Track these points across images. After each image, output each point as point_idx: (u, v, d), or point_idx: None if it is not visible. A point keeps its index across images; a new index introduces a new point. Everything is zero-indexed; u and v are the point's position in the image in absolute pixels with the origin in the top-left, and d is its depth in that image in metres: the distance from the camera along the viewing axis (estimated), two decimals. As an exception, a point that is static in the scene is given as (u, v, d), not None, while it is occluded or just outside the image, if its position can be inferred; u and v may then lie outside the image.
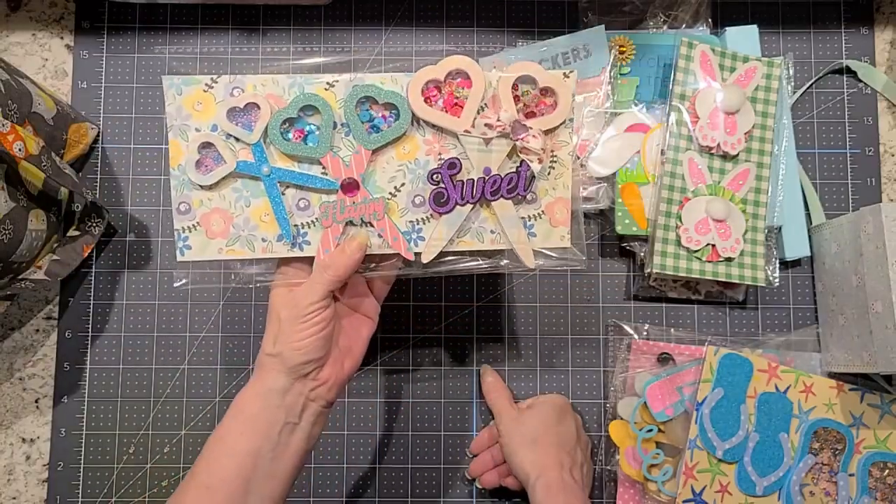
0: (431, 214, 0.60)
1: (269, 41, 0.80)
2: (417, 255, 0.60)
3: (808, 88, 0.80)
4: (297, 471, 0.58)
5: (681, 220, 0.74)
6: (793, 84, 0.79)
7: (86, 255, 0.74)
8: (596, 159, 0.77)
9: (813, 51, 0.81)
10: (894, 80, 0.80)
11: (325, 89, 0.59)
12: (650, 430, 0.73)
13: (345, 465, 0.76)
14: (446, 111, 0.59)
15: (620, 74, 0.79)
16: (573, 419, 0.73)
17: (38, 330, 0.77)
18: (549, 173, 0.61)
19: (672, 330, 0.77)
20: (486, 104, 0.59)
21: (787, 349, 0.76)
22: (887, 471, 0.72)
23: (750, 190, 0.75)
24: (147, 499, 0.75)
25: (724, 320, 0.78)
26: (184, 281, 0.63)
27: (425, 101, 0.59)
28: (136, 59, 0.80)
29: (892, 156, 0.80)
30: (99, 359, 0.77)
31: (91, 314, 0.77)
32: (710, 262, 0.74)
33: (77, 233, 0.75)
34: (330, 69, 0.61)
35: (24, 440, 0.76)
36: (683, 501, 0.71)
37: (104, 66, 0.80)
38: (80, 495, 0.75)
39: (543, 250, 0.63)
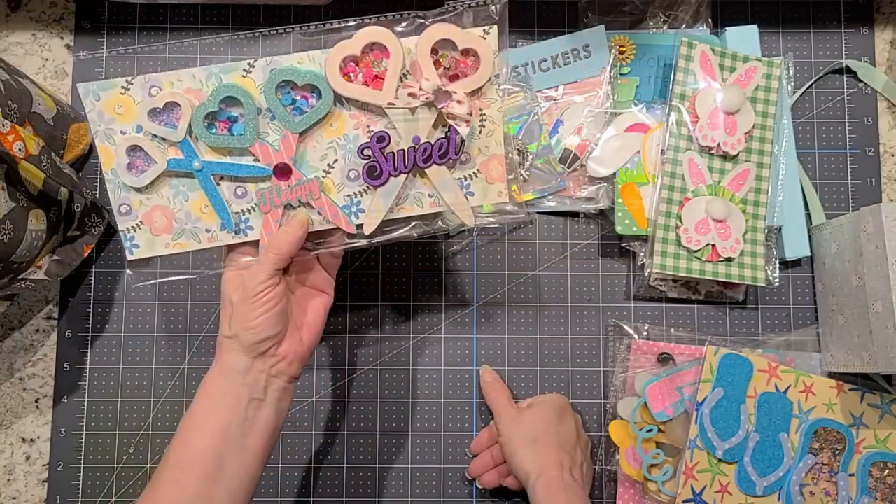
0: (367, 187, 0.60)
1: (269, 41, 0.80)
2: (359, 226, 0.61)
3: (808, 88, 0.80)
4: (269, 448, 0.60)
5: (681, 220, 0.74)
6: (793, 84, 0.79)
7: (86, 255, 0.74)
8: (596, 159, 0.77)
9: (813, 51, 0.81)
10: (894, 80, 0.80)
11: (243, 77, 0.59)
12: (650, 430, 0.73)
13: (345, 466, 0.76)
14: (367, 85, 0.59)
15: (620, 74, 0.79)
16: (573, 419, 0.73)
17: (38, 330, 0.77)
18: (479, 132, 0.61)
19: (672, 330, 0.77)
20: (406, 72, 0.59)
21: (787, 349, 0.76)
22: (887, 471, 0.72)
23: (750, 190, 0.75)
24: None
25: (724, 320, 0.78)
26: (149, 281, 0.63)
27: (345, 77, 0.59)
28: (136, 59, 0.80)
29: (892, 156, 0.80)
30: (99, 359, 0.77)
31: (91, 314, 0.77)
32: (710, 262, 0.74)
33: (77, 233, 0.75)
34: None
35: (24, 440, 0.76)
36: (683, 501, 0.71)
37: (104, 66, 0.80)
38: (80, 495, 0.75)
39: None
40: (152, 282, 0.61)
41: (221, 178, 0.60)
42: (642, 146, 0.76)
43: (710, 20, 0.79)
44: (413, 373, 0.77)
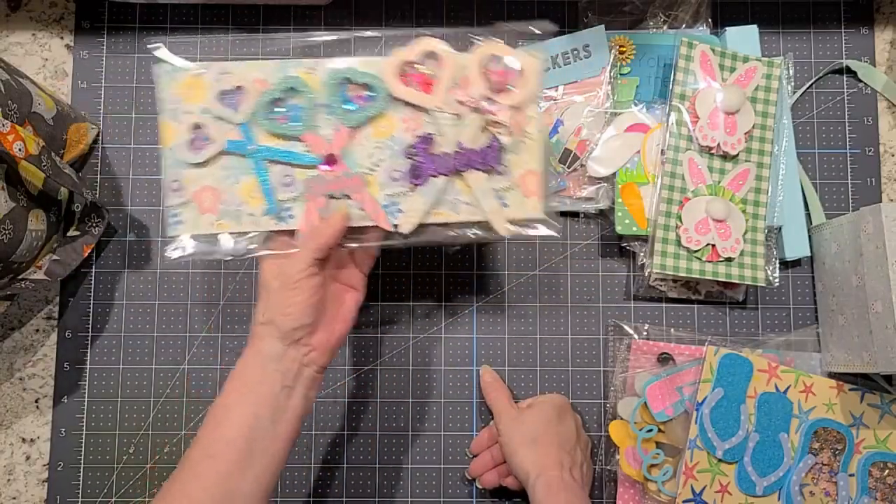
0: (409, 189, 0.62)
1: (269, 41, 0.80)
2: (396, 226, 0.63)
3: (808, 88, 0.80)
4: (296, 433, 0.60)
5: (681, 220, 0.74)
6: (793, 84, 0.79)
7: (86, 255, 0.74)
8: (596, 159, 0.77)
9: (813, 51, 0.81)
10: (894, 80, 0.80)
11: (307, 73, 0.62)
12: (650, 430, 0.73)
13: (345, 466, 0.76)
14: (419, 90, 0.62)
15: (620, 74, 0.79)
16: (573, 419, 0.73)
17: (38, 330, 0.77)
18: (519, 147, 0.63)
19: (672, 330, 0.77)
20: (456, 82, 0.62)
21: (787, 349, 0.76)
22: (887, 471, 0.72)
23: (750, 190, 0.75)
24: (147, 499, 0.75)
25: (724, 320, 0.78)
26: (183, 250, 0.63)
27: (401, 80, 0.62)
28: (136, 59, 0.80)
29: (892, 156, 0.80)
30: (99, 359, 0.77)
31: (91, 314, 0.77)
32: (710, 262, 0.74)
33: (77, 233, 0.75)
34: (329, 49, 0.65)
35: (24, 440, 0.76)
36: (683, 501, 0.71)
37: (104, 66, 0.80)
38: (80, 495, 0.75)
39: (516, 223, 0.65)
40: (189, 253, 0.62)
41: (272, 165, 0.62)
42: (642, 146, 0.76)
43: (710, 20, 0.79)
44: (413, 373, 0.77)
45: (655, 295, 0.77)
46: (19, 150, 0.63)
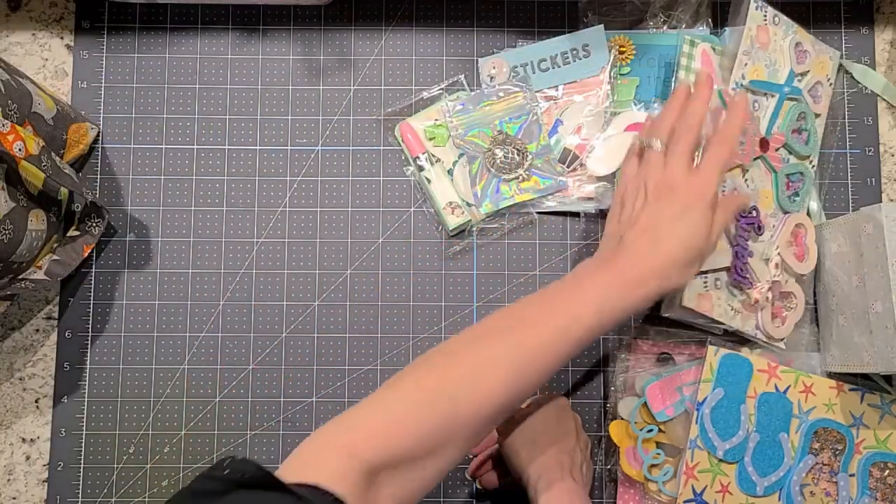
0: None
1: (269, 41, 0.80)
2: None
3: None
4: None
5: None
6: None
7: (86, 255, 0.74)
8: (596, 158, 0.77)
9: (813, 51, 0.81)
10: (894, 81, 0.80)
11: None
12: (650, 430, 0.73)
13: (345, 465, 0.76)
14: None
15: (620, 74, 0.79)
16: (573, 419, 0.72)
17: (38, 330, 0.77)
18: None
19: (672, 330, 0.77)
20: None
21: (786, 349, 0.76)
22: (888, 471, 0.72)
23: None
24: (147, 499, 0.75)
25: (725, 320, 0.78)
26: None
27: None
28: (136, 59, 0.80)
29: (892, 156, 0.80)
30: (99, 359, 0.77)
31: (91, 314, 0.77)
32: (710, 262, 0.74)
33: (77, 233, 0.75)
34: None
35: (24, 440, 0.76)
36: (684, 501, 0.71)
37: (104, 66, 0.80)
38: (80, 495, 0.75)
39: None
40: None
41: None
42: None
43: (710, 20, 0.79)
44: (413, 373, 0.77)
45: (655, 295, 0.77)
46: (19, 150, 0.63)
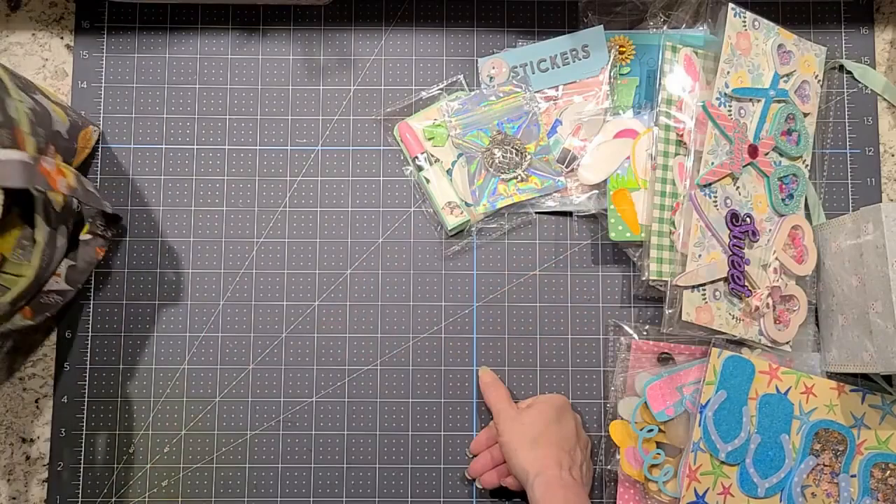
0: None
1: (269, 41, 0.81)
2: None
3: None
4: None
5: (674, 226, 0.74)
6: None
7: (100, 257, 0.74)
8: (587, 167, 0.77)
9: (813, 51, 0.81)
10: (894, 81, 0.80)
11: None
12: (651, 430, 0.72)
13: (345, 466, 0.76)
14: None
15: (620, 74, 0.79)
16: (573, 418, 0.72)
17: (38, 330, 0.77)
18: None
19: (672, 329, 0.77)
20: None
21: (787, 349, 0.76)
22: (889, 472, 0.72)
23: (750, 190, 0.75)
24: (147, 499, 0.75)
25: (725, 320, 0.78)
26: None
27: None
28: (136, 59, 0.80)
29: (892, 156, 0.80)
30: (99, 359, 0.77)
31: (91, 314, 0.77)
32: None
33: (89, 236, 0.74)
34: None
35: (24, 440, 0.76)
36: None
37: (104, 66, 0.80)
38: (80, 495, 0.75)
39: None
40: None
41: None
42: (632, 152, 0.76)
43: (710, 20, 0.78)
44: (413, 373, 0.77)
45: (655, 295, 0.77)
46: (64, 186, 0.63)
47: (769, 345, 0.74)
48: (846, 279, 0.72)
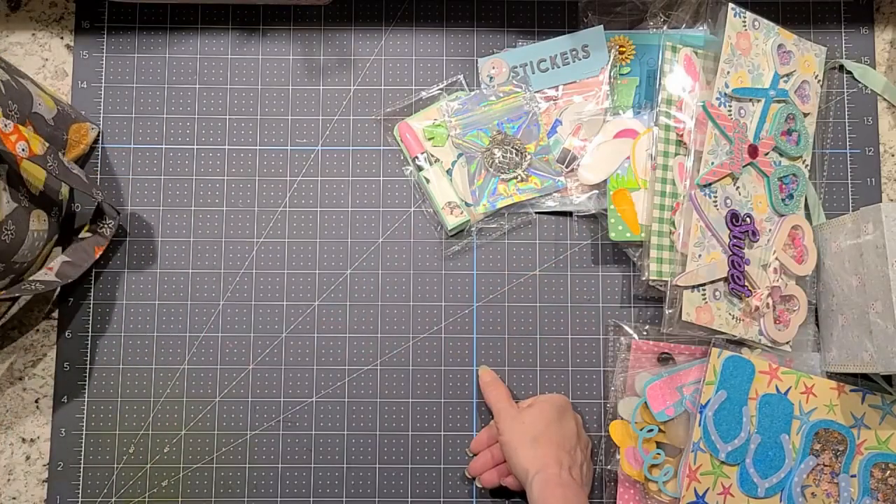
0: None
1: (269, 41, 0.81)
2: None
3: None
4: None
5: (674, 226, 0.74)
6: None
7: (97, 256, 0.74)
8: (587, 167, 0.77)
9: (813, 51, 0.81)
10: (894, 81, 0.80)
11: None
12: (651, 430, 0.72)
13: (345, 466, 0.76)
14: None
15: (620, 74, 0.79)
16: (574, 418, 0.72)
17: (38, 330, 0.77)
18: None
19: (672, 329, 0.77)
20: None
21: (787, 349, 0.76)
22: (889, 472, 0.72)
23: (750, 190, 0.75)
24: (147, 499, 0.75)
25: (725, 320, 0.78)
26: None
27: None
28: (136, 59, 0.80)
29: (892, 156, 0.80)
30: (99, 359, 0.77)
31: (91, 314, 0.77)
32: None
33: (88, 234, 0.75)
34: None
35: (24, 440, 0.76)
36: None
37: (104, 66, 0.80)
38: (80, 495, 0.75)
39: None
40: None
41: None
42: (632, 151, 0.76)
43: (710, 20, 0.78)
44: (413, 373, 0.77)
45: (655, 295, 0.77)
46: (22, 150, 0.63)
47: (769, 345, 0.74)
48: (846, 279, 0.72)
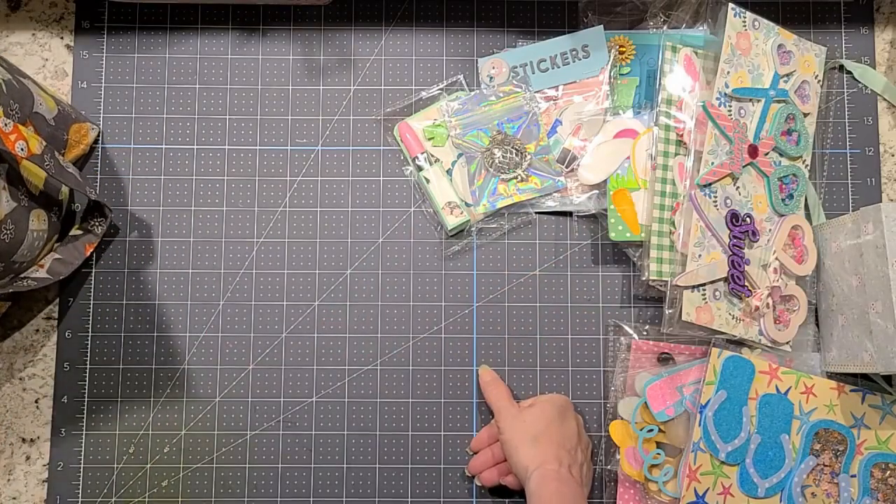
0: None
1: (269, 41, 0.81)
2: None
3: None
4: None
5: (674, 226, 0.74)
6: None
7: (88, 254, 0.74)
8: (587, 167, 0.77)
9: (813, 51, 0.81)
10: (894, 81, 0.80)
11: None
12: (651, 430, 0.72)
13: (345, 465, 0.76)
14: None
15: (620, 74, 0.79)
16: (575, 418, 0.72)
17: (38, 330, 0.77)
18: None
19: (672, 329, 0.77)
20: None
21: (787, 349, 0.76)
22: (889, 472, 0.72)
23: (749, 190, 0.75)
24: (147, 499, 0.75)
25: (725, 320, 0.78)
26: None
27: None
28: (136, 59, 0.80)
29: (892, 156, 0.80)
30: (99, 359, 0.77)
31: (91, 314, 0.77)
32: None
33: (80, 232, 0.75)
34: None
35: (24, 440, 0.76)
36: None
37: (104, 66, 0.80)
38: (80, 495, 0.75)
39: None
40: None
41: None
42: (632, 151, 0.76)
43: (710, 20, 0.79)
44: (413, 373, 0.77)
45: (655, 295, 0.77)
46: (21, 149, 0.63)
47: (769, 345, 0.74)
48: (846, 279, 0.72)
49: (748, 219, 0.73)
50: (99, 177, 0.79)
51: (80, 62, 0.80)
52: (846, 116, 0.80)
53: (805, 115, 0.77)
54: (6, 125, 0.62)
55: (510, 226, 0.78)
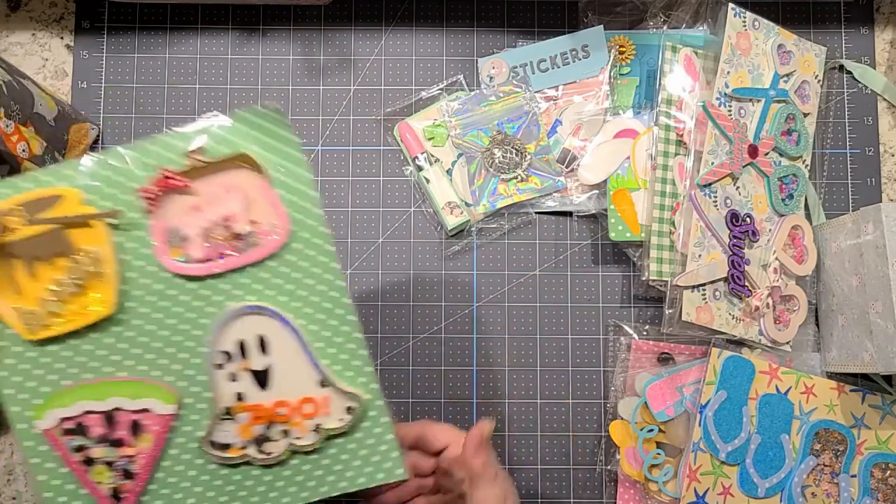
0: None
1: (269, 41, 0.81)
2: None
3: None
4: None
5: (674, 226, 0.74)
6: (793, 84, 0.79)
7: None
8: (587, 167, 0.77)
9: (813, 51, 0.81)
10: (894, 81, 0.80)
11: None
12: (651, 430, 0.72)
13: (344, 466, 0.76)
14: None
15: (620, 75, 0.79)
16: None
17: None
18: None
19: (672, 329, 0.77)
20: None
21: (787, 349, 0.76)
22: (889, 472, 0.72)
23: (750, 190, 0.75)
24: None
25: (725, 320, 0.78)
26: None
27: None
28: (136, 59, 0.80)
29: (892, 156, 0.80)
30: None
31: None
32: (710, 262, 0.74)
33: None
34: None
35: (23, 440, 0.76)
36: None
37: (104, 66, 0.80)
38: (79, 495, 0.75)
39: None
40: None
41: None
42: (632, 151, 0.76)
43: (710, 20, 0.79)
44: (413, 373, 0.77)
45: (655, 295, 0.77)
46: (23, 150, 0.63)
47: (769, 345, 0.74)
48: (846, 279, 0.72)
49: (748, 219, 0.73)
50: (99, 177, 0.79)
51: (80, 62, 0.80)
52: (846, 116, 0.80)
53: (805, 115, 0.77)
54: (7, 126, 0.62)
55: (510, 226, 0.78)
